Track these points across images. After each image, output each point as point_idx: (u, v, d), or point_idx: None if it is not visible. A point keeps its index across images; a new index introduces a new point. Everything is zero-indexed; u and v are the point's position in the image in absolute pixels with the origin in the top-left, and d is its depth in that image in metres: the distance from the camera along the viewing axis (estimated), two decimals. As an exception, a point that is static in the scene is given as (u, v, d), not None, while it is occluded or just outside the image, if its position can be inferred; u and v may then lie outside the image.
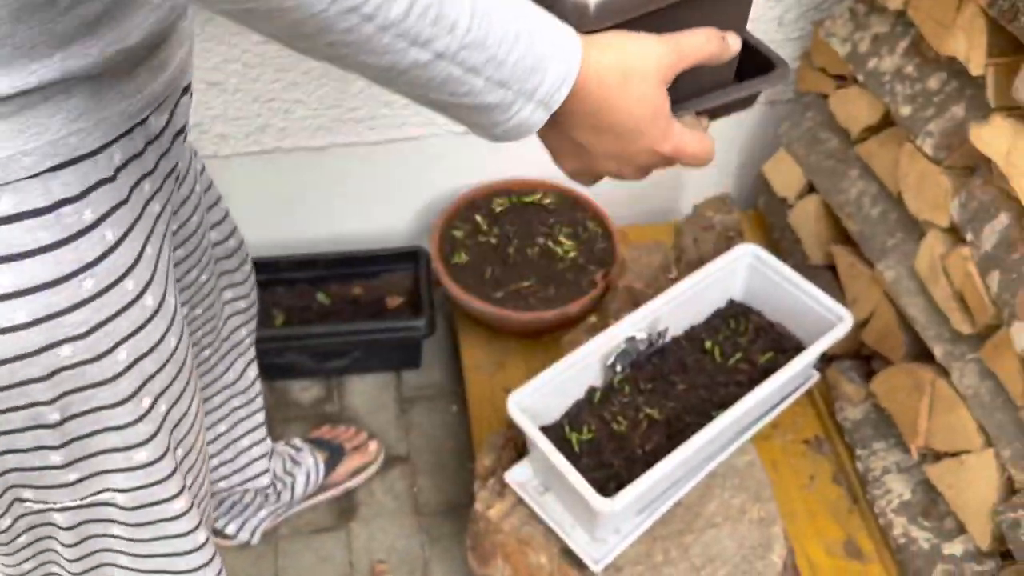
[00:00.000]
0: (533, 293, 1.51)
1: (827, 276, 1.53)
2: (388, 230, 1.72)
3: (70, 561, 0.86)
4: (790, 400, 1.26)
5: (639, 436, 1.16)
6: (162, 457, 0.79)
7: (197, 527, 0.86)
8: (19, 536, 0.82)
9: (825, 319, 1.22)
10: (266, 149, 1.53)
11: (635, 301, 1.42)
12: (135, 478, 0.78)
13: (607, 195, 1.74)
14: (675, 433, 1.16)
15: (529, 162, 1.68)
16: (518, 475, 1.18)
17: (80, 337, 0.67)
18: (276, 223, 1.65)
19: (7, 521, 0.80)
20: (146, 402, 0.75)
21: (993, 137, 1.06)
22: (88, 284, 0.65)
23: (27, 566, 0.87)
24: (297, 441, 1.44)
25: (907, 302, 1.29)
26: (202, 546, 0.88)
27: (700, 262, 1.44)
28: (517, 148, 1.68)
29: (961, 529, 1.23)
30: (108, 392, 0.71)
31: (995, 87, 1.08)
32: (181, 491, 0.83)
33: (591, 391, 1.21)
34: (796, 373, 1.17)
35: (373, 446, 1.52)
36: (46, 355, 0.66)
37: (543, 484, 1.17)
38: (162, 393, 0.77)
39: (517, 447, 1.24)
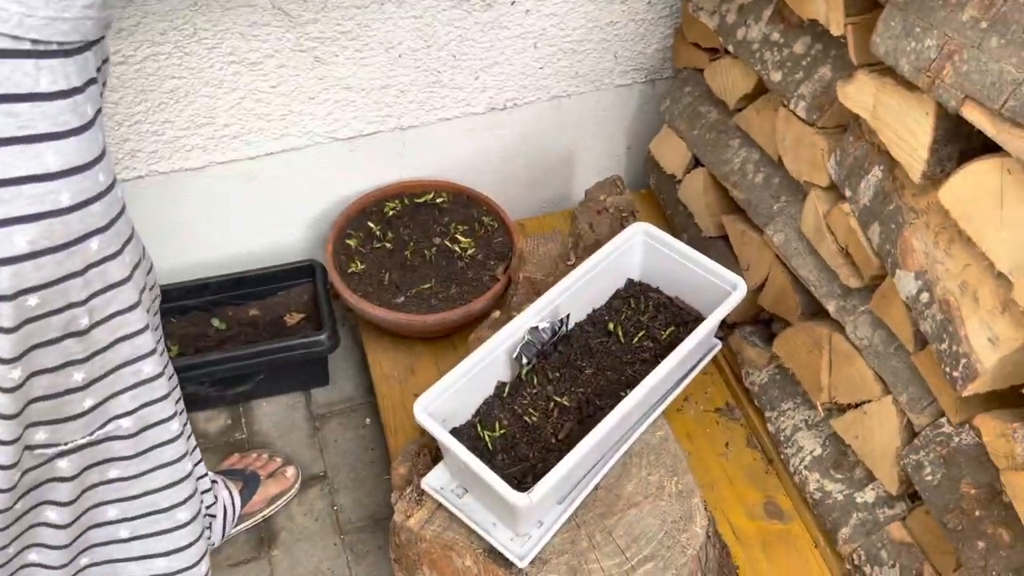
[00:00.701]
0: (435, 294, 1.49)
1: (721, 246, 1.55)
2: (281, 246, 1.66)
3: (59, 528, 0.96)
4: (696, 371, 1.28)
5: (552, 425, 1.16)
6: (161, 375, 0.93)
7: (185, 455, 1.00)
8: (18, 501, 0.90)
9: (720, 288, 1.23)
10: (140, 174, 1.46)
11: (537, 292, 1.41)
12: (140, 396, 0.92)
13: (500, 190, 1.74)
14: (587, 418, 1.16)
15: (418, 163, 1.66)
16: (435, 480, 1.16)
17: (102, 230, 0.80)
18: (161, 250, 1.58)
19: (16, 475, 0.87)
20: (147, 315, 0.89)
21: (858, 94, 1.09)
22: (101, 177, 0.78)
23: (11, 549, 0.95)
24: (209, 474, 1.38)
25: (798, 263, 1.32)
26: (188, 476, 1.02)
27: (597, 246, 1.44)
28: (405, 150, 1.66)
29: (870, 477, 1.27)
30: (123, 295, 0.85)
31: (856, 45, 1.11)
32: (175, 415, 0.97)
33: (500, 386, 1.20)
34: (697, 344, 1.18)
35: (290, 471, 1.47)
36: (82, 247, 0.78)
37: (461, 486, 1.15)
38: (150, 309, 0.91)
39: (432, 452, 1.22)
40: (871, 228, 1.14)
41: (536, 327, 1.18)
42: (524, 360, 1.17)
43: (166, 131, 1.43)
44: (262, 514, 1.43)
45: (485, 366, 1.16)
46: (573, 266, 1.43)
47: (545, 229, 1.81)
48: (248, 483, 1.42)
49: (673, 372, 1.19)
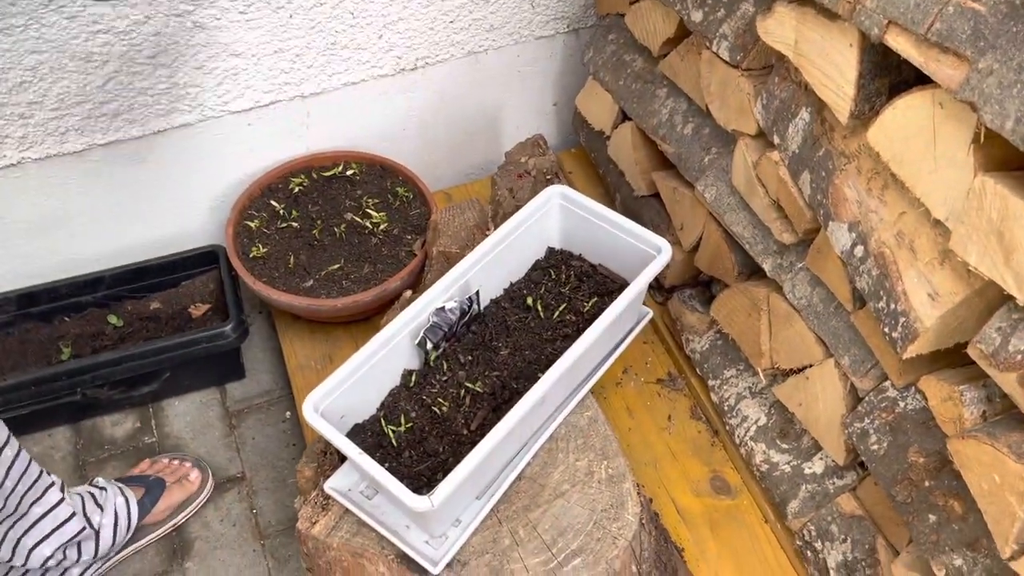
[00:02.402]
0: (346, 275, 1.37)
1: (655, 205, 1.45)
2: (183, 232, 1.54)
3: None
4: (625, 344, 1.17)
5: (463, 415, 1.05)
6: None
7: None
8: None
9: (645, 253, 1.12)
10: (11, 162, 1.33)
11: (453, 266, 1.30)
12: None
13: (419, 158, 1.62)
14: (502, 404, 1.06)
15: (326, 133, 1.53)
16: (340, 482, 1.05)
17: None
18: (47, 245, 1.45)
19: None
20: None
21: (779, 28, 0.98)
22: None
23: None
24: (100, 480, 1.26)
25: (731, 219, 1.21)
26: None
27: (516, 212, 1.33)
28: (310, 120, 1.53)
29: (818, 446, 1.18)
30: None
31: (774, -26, 0.99)
32: None
33: (407, 375, 1.09)
34: (623, 315, 1.08)
35: (196, 475, 1.36)
36: None
37: (370, 487, 1.05)
38: None
39: (339, 452, 1.11)
40: (801, 177, 1.03)
41: (443, 307, 1.07)
42: (429, 345, 1.06)
43: (34, 113, 1.29)
44: (172, 523, 1.32)
45: (386, 354, 1.05)
46: (492, 236, 1.32)
47: (473, 197, 1.69)
48: (150, 490, 1.30)
49: (596, 347, 1.08)
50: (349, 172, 1.49)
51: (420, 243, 1.41)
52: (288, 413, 1.49)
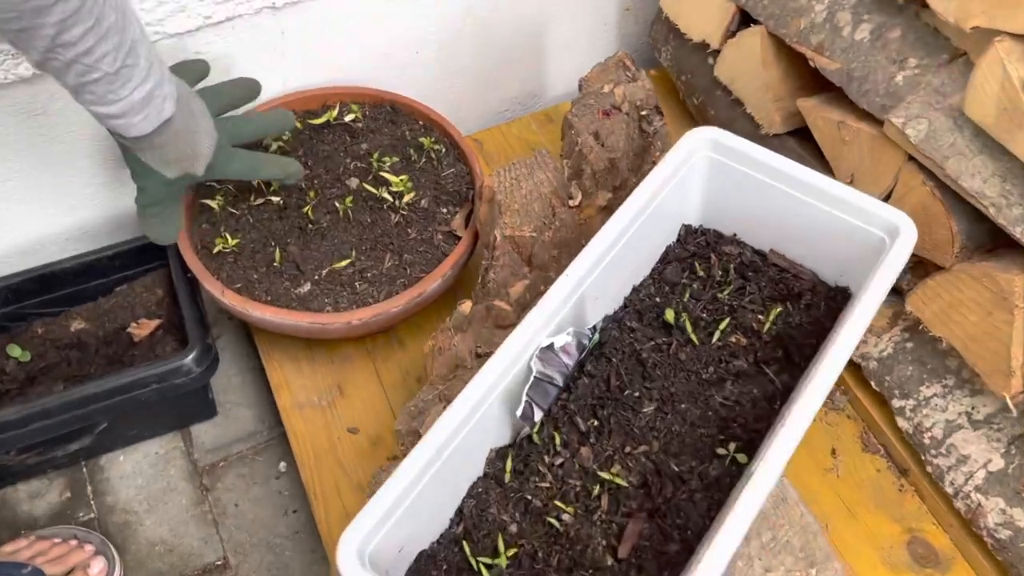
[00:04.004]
0: (360, 273, 0.93)
1: (795, 148, 1.02)
2: (109, 217, 1.08)
3: None
4: (817, 373, 0.76)
5: (601, 529, 0.63)
6: None
7: None
8: None
9: (856, 230, 0.70)
10: None
11: (527, 258, 0.86)
12: None
13: (439, 92, 1.17)
14: (663, 505, 0.63)
15: (310, 62, 1.08)
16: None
17: None
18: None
19: None
20: None
21: None
22: None
23: None
24: None
25: (957, 168, 0.79)
26: None
27: (613, 170, 0.89)
28: (285, 43, 1.07)
29: (1104, 508, 0.78)
30: None
31: None
32: None
33: (495, 460, 0.66)
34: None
35: (99, 567, 0.91)
36: None
37: (446, 644, 0.63)
38: None
39: None
40: None
41: (550, 345, 0.64)
42: (538, 415, 0.63)
43: None
44: None
45: (470, 432, 0.62)
46: (579, 208, 0.88)
47: (512, 145, 1.24)
48: None
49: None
50: (348, 117, 1.04)
51: (463, 219, 0.97)
52: (283, 464, 1.06)
